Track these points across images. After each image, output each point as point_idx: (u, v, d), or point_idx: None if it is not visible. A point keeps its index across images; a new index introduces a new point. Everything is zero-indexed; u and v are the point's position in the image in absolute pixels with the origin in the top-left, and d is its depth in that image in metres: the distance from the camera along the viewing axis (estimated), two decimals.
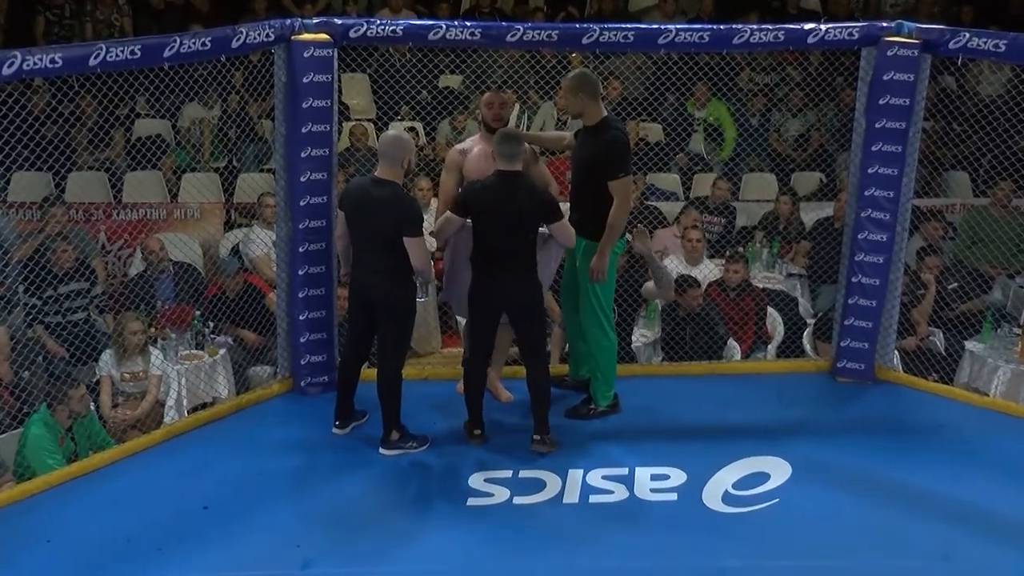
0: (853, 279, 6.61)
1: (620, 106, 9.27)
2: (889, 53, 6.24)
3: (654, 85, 8.85)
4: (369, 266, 5.58)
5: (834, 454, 5.82)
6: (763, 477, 5.60)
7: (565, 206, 5.88)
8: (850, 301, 6.65)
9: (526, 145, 5.73)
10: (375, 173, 5.58)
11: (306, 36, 5.97)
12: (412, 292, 5.68)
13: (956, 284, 7.52)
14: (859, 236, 6.54)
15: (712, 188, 8.97)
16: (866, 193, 6.46)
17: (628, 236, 6.16)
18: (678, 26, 6.40)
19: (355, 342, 5.85)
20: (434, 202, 7.10)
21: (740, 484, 5.54)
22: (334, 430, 5.97)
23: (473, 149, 6.01)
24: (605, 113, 5.85)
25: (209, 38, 5.60)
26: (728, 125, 9.82)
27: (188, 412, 6.61)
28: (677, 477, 5.60)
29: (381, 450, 5.75)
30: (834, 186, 9.05)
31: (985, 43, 6.06)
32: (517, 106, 10.07)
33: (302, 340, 6.37)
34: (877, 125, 6.35)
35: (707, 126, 9.84)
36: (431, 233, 5.92)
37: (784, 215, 8.65)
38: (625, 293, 7.01)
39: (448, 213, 5.59)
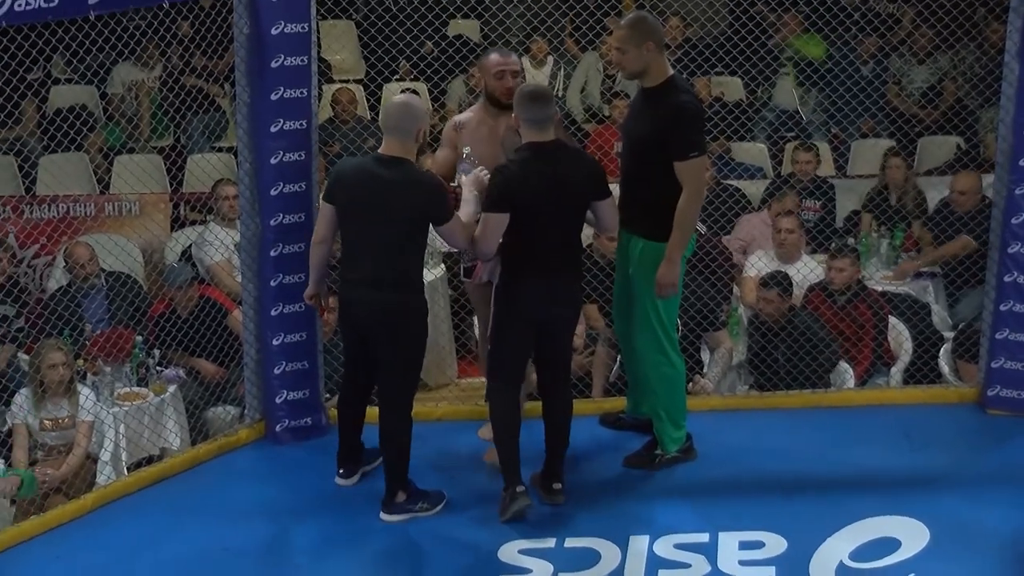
0: (1006, 278, 6.55)
1: (685, 52, 9.24)
2: None
3: (731, 26, 8.83)
4: (370, 276, 5.54)
5: (986, 513, 5.74)
6: (891, 544, 5.54)
7: (615, 189, 5.87)
8: (1003, 308, 6.59)
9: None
10: (380, 150, 5.59)
11: None
12: (423, 308, 5.67)
13: None
14: (1013, 221, 6.48)
15: (792, 162, 8.93)
16: (1022, 163, 6.40)
17: (701, 227, 6.13)
18: None
19: (354, 369, 5.86)
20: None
21: (860, 554, 5.48)
22: (338, 480, 5.99)
23: (471, 121, 5.98)
24: (671, 71, 5.81)
25: None
26: (819, 50, 9.78)
27: (128, 469, 6.61)
28: (775, 545, 5.55)
29: (383, 515, 5.74)
30: (977, 154, 8.99)
31: None
32: (551, 60, 10.07)
33: (276, 372, 6.38)
34: None
35: (797, 65, 9.79)
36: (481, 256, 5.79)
37: (896, 184, 8.58)
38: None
39: (487, 215, 5.53)
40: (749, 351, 7.29)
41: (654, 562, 5.44)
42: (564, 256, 5.61)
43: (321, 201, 5.76)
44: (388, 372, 5.66)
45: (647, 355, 6.00)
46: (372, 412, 5.90)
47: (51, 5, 5.33)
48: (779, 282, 7.22)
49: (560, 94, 10.07)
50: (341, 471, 5.98)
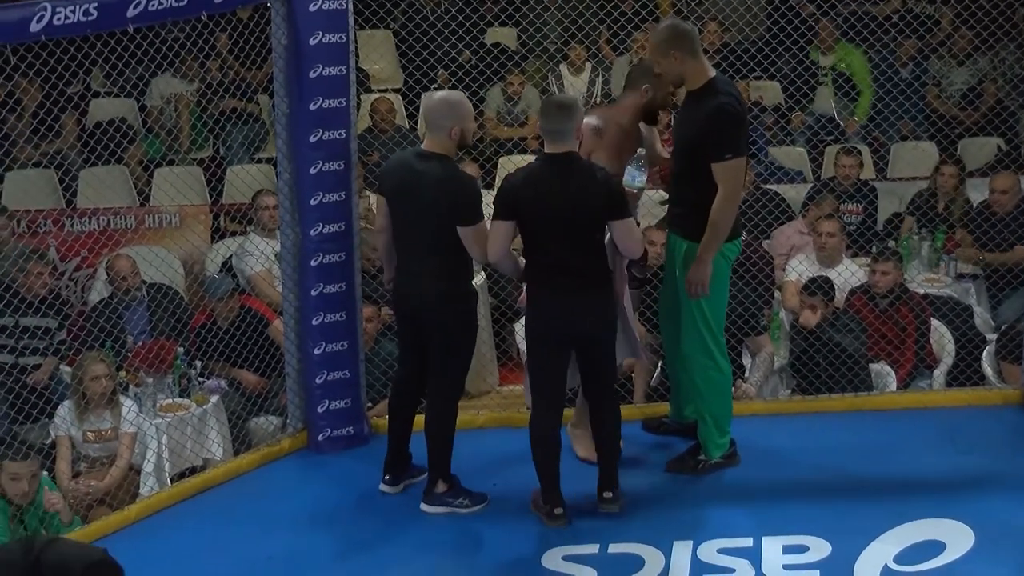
0: None
1: (723, 57, 9.24)
2: None
3: (770, 30, 8.80)
4: (413, 266, 5.65)
5: None
6: (936, 547, 5.50)
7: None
8: None
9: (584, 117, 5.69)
10: (420, 145, 5.65)
11: None
12: (471, 299, 5.74)
13: None
14: None
15: (835, 165, 8.91)
16: None
17: (743, 235, 6.13)
18: None
19: (408, 365, 5.92)
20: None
21: (905, 557, 5.45)
22: (382, 486, 6.00)
23: (612, 125, 5.92)
24: (712, 73, 5.81)
25: None
26: (862, 78, 9.75)
27: (171, 480, 6.66)
28: (819, 549, 5.52)
29: (423, 505, 5.79)
30: (1018, 155, 8.94)
31: None
32: (589, 66, 10.09)
33: (318, 381, 6.41)
34: None
35: (836, 77, 9.79)
36: (491, 264, 5.87)
37: (946, 192, 8.54)
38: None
39: (492, 222, 5.57)
40: (791, 355, 7.27)
41: (698, 567, 5.42)
42: (583, 273, 5.51)
43: (373, 193, 5.81)
44: (437, 363, 5.73)
45: (694, 358, 5.99)
46: (420, 421, 5.94)
47: (90, 19, 5.37)
48: (823, 288, 7.20)
49: (599, 100, 10.07)
50: (387, 477, 6.00)
